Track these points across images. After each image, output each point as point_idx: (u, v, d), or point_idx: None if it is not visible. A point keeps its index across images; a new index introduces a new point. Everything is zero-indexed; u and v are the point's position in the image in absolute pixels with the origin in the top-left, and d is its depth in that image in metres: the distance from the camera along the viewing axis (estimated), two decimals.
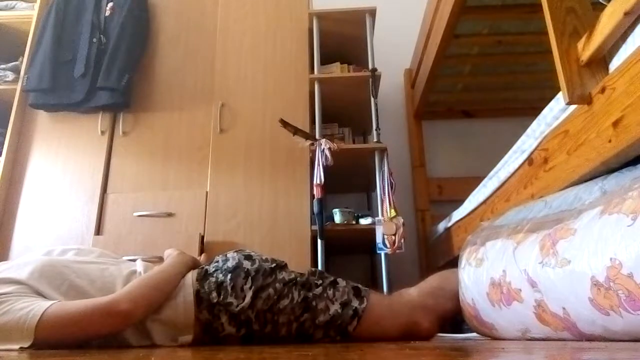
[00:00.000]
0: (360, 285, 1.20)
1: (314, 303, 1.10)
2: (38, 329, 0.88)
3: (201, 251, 1.92)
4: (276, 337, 1.10)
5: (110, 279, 1.08)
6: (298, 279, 1.15)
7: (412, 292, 1.25)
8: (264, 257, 1.19)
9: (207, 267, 1.18)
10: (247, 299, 1.07)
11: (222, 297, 1.08)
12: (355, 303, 1.12)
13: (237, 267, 1.13)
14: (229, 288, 1.09)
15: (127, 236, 1.97)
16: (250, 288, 1.09)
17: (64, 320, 0.91)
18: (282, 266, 1.18)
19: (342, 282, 1.18)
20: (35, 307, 0.91)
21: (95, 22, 2.27)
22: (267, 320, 1.08)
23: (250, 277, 1.10)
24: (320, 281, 1.15)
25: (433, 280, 1.30)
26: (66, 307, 0.94)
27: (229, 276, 1.11)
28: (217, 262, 1.18)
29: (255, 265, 1.14)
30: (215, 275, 1.13)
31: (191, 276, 1.14)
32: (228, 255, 1.19)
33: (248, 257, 1.17)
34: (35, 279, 1.00)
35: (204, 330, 1.07)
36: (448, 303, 1.21)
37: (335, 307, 1.11)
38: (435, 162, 2.82)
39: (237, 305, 1.06)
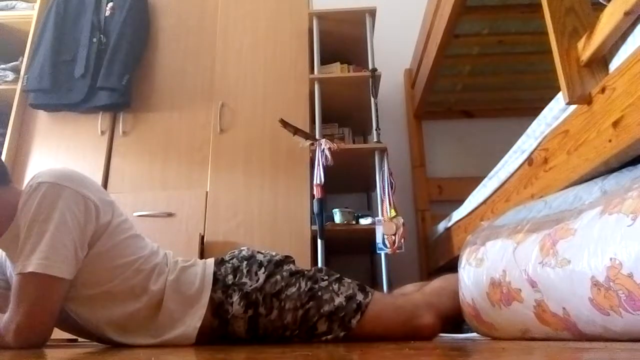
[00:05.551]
0: (365, 285, 1.22)
1: (319, 293, 1.15)
2: None
3: (201, 251, 1.92)
4: (281, 324, 1.12)
5: None
6: (305, 272, 1.20)
7: (415, 293, 1.27)
8: (273, 253, 1.27)
9: (222, 256, 1.26)
10: (260, 281, 1.14)
11: (237, 278, 1.15)
12: (359, 297, 1.16)
13: (252, 256, 1.22)
14: (245, 271, 1.17)
15: None
16: (263, 273, 1.16)
17: None
18: (291, 261, 1.25)
19: (347, 279, 1.22)
20: None
21: (95, 22, 2.27)
22: (273, 306, 1.13)
23: (263, 266, 1.18)
24: (326, 277, 1.20)
25: (435, 282, 1.32)
26: None
27: (244, 263, 1.20)
28: (233, 252, 1.27)
29: (267, 257, 1.22)
30: (231, 262, 1.21)
31: (211, 261, 1.22)
32: (241, 248, 1.29)
33: (259, 252, 1.26)
34: None
35: (214, 312, 1.12)
36: (450, 301, 1.22)
37: (340, 299, 1.14)
38: (435, 162, 2.82)
39: (250, 285, 1.13)
